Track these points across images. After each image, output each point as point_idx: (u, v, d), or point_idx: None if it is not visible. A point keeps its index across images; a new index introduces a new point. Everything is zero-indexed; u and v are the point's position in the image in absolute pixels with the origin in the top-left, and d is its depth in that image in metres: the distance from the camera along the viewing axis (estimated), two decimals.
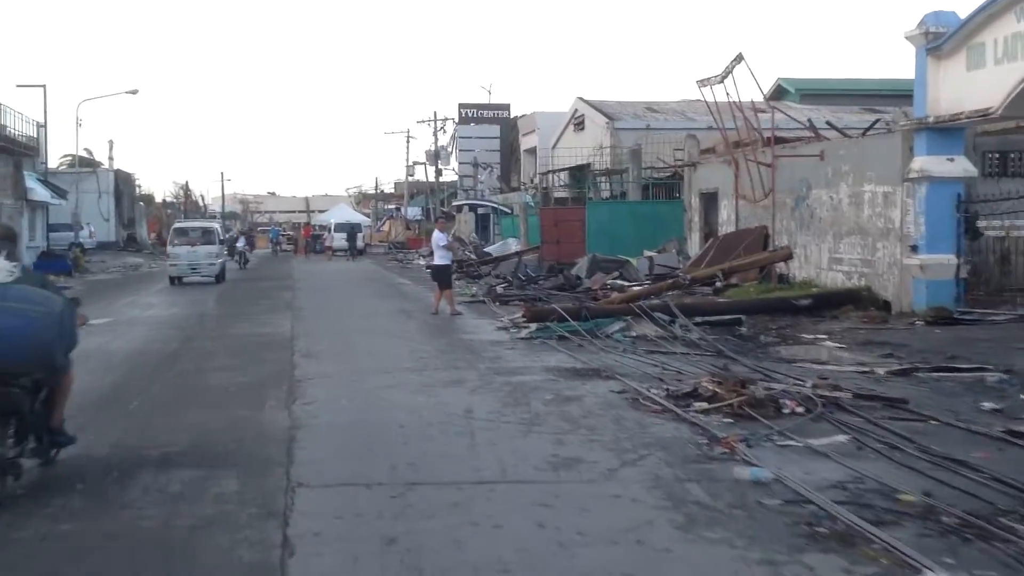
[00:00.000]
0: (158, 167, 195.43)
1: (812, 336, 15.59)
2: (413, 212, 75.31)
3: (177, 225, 36.02)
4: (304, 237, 62.95)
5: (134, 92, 43.32)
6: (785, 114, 29.29)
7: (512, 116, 67.31)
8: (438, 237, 20.32)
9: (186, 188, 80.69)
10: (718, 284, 21.40)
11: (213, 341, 15.55)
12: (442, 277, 20.00)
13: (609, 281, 24.06)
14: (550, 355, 13.54)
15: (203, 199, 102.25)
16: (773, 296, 18.29)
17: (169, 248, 31.72)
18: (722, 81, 22.67)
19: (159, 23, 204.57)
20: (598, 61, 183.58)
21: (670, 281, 18.96)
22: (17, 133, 40.80)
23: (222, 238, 33.97)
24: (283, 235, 70.17)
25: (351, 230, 54.36)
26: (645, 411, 9.28)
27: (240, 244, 43.91)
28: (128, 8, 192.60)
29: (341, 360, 13.05)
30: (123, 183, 59.96)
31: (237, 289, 28.39)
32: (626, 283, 23.94)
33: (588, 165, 47.78)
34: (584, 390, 10.52)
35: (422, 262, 44.37)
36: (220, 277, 31.03)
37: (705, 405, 9.22)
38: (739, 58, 21.79)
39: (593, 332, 15.44)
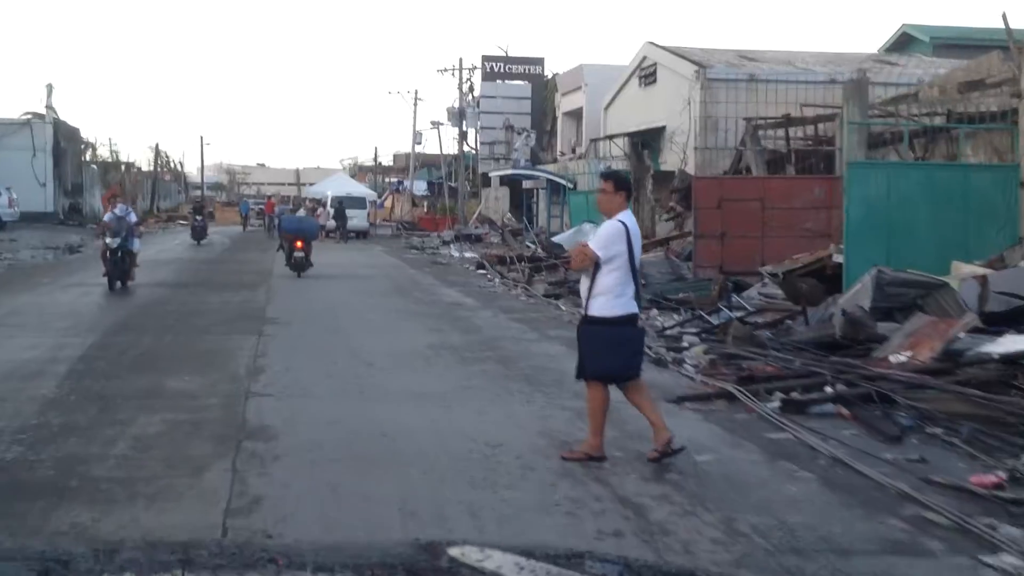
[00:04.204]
0: (137, 133, 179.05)
1: None
2: (419, 186, 61.11)
3: None
4: (267, 213, 46.22)
5: None
6: None
7: (544, 73, 53.12)
8: (610, 234, 6.54)
9: (156, 151, 65.91)
10: None
11: None
12: (629, 359, 6.52)
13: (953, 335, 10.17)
14: None
15: (181, 166, 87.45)
16: None
17: None
18: None
19: None
20: (640, 12, 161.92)
21: None
22: None
23: None
24: (252, 209, 56.05)
25: (339, 205, 39.99)
26: None
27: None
28: None
29: None
30: (66, 139, 45.30)
31: (147, 321, 14.33)
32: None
33: (663, 129, 34.28)
34: None
35: (455, 253, 30.26)
36: None
37: None
38: None
39: None
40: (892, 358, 10.29)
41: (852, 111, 17.23)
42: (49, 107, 44.36)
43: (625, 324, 6.54)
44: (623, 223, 6.53)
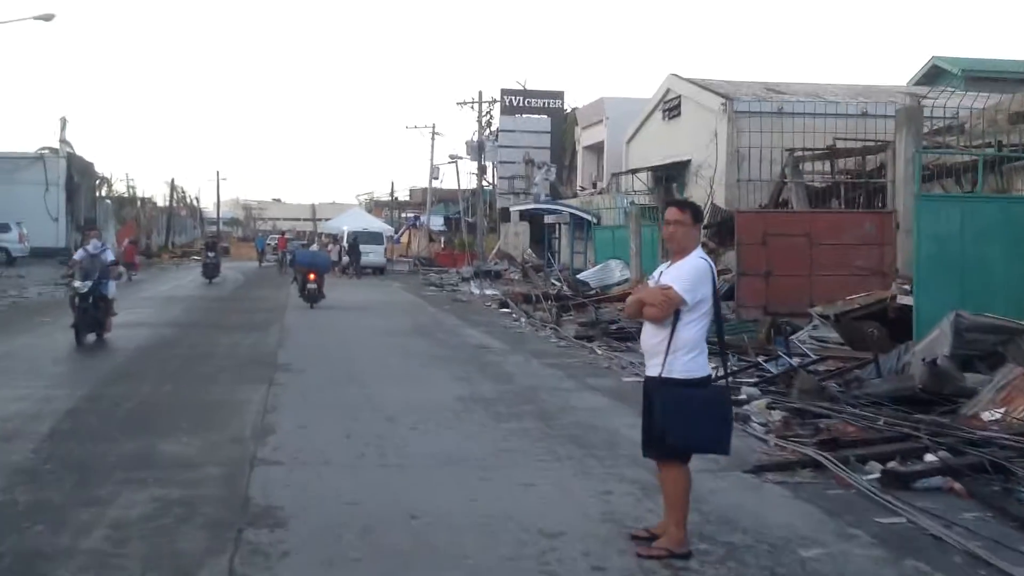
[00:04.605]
0: (153, 168, 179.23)
1: None
2: (436, 221, 60.18)
3: None
4: (280, 249, 46.41)
5: (47, 18, 28.00)
6: None
7: (563, 106, 52.23)
8: (699, 273, 5.32)
9: (172, 186, 65.15)
10: None
11: None
12: (720, 427, 5.28)
13: None
14: None
15: (197, 201, 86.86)
16: None
17: None
18: None
19: (160, 16, 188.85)
20: (657, 47, 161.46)
21: None
22: None
23: None
24: (268, 244, 55.75)
25: (354, 241, 38.93)
26: None
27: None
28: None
29: None
30: (80, 174, 44.50)
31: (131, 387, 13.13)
32: None
33: (688, 162, 33.18)
34: None
35: (475, 290, 29.07)
36: None
37: None
38: None
39: None
40: (984, 415, 9.06)
41: (907, 140, 16.05)
42: (63, 141, 43.62)
43: (708, 384, 5.35)
44: (706, 261, 5.34)
